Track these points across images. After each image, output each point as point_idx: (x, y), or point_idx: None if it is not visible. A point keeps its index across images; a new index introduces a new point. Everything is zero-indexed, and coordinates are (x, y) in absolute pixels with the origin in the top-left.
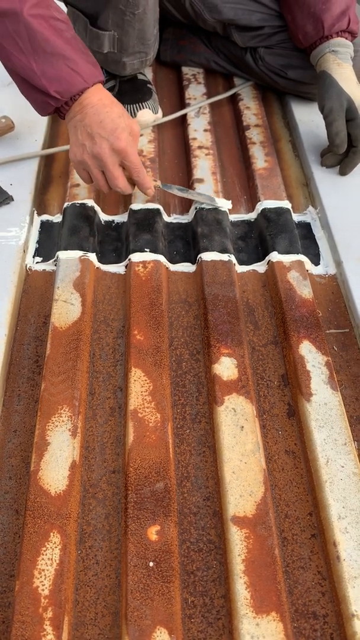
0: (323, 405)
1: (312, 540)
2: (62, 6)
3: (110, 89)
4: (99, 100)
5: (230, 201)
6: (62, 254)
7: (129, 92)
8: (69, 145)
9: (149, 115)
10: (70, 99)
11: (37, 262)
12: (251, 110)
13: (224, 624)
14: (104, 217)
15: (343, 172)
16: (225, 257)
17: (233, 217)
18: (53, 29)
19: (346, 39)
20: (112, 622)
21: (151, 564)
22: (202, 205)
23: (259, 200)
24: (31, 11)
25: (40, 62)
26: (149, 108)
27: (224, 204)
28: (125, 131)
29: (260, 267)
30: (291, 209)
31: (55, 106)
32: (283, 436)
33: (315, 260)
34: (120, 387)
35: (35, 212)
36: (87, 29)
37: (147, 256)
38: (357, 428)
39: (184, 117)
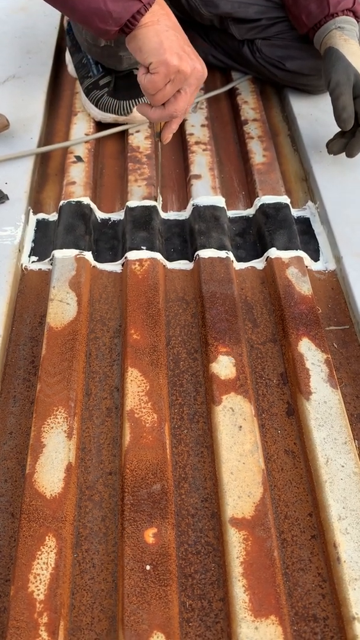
0: (323, 403)
1: (312, 541)
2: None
3: (106, 85)
4: (175, 17)
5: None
6: (58, 253)
7: (125, 87)
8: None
9: None
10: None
11: (32, 262)
12: (249, 105)
13: (223, 627)
14: (100, 214)
15: (350, 154)
16: (223, 254)
17: (231, 213)
18: None
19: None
20: (109, 626)
21: (148, 567)
22: (199, 202)
23: (257, 196)
24: None
25: None
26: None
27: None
28: None
29: (258, 263)
30: (290, 204)
31: (144, 3)
32: (282, 435)
33: (315, 256)
34: (117, 388)
35: (31, 210)
36: None
37: (144, 254)
38: (358, 427)
39: None
